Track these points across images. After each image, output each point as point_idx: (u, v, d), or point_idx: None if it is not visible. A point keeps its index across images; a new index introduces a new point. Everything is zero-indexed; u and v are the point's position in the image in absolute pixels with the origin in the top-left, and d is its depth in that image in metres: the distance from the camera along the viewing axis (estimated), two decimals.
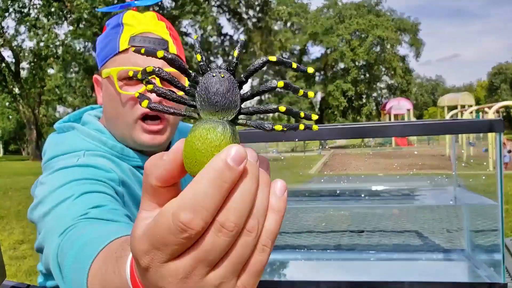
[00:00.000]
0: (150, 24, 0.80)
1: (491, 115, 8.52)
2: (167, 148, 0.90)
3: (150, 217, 0.28)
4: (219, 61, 22.40)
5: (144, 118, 0.79)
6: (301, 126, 0.28)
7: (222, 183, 0.24)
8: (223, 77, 0.27)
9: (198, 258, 0.25)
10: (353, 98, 30.10)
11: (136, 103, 0.78)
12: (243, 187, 0.25)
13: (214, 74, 0.27)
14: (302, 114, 0.28)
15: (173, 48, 0.80)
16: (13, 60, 20.16)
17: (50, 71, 18.96)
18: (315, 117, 0.28)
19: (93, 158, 0.77)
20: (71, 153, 0.79)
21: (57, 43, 15.50)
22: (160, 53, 0.27)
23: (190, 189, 0.24)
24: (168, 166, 0.27)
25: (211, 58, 21.78)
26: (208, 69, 0.28)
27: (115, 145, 0.81)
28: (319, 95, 31.66)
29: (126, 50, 0.78)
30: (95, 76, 0.86)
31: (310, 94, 0.29)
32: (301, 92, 0.28)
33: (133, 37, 0.78)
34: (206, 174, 0.24)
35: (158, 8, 17.05)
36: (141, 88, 0.77)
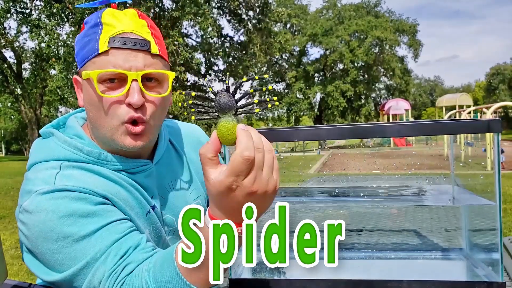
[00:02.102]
0: (130, 23, 0.77)
1: (489, 115, 8.53)
2: (154, 147, 0.89)
3: (218, 171, 0.54)
4: (219, 62, 22.31)
5: (124, 122, 0.77)
6: (269, 105, 0.55)
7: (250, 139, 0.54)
8: (224, 96, 0.55)
9: (256, 168, 0.53)
10: (352, 98, 30.08)
11: (119, 107, 0.76)
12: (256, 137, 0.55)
13: (221, 95, 0.55)
14: (268, 99, 0.55)
15: (155, 49, 0.77)
16: (15, 61, 20.13)
17: (52, 71, 18.92)
18: (275, 98, 0.57)
19: (69, 173, 0.76)
20: (48, 161, 0.79)
21: (59, 43, 15.46)
22: (193, 93, 0.57)
23: (240, 145, 0.53)
24: (214, 143, 0.55)
25: (212, 59, 21.78)
26: (217, 91, 0.55)
27: (91, 151, 0.80)
28: (319, 96, 31.66)
29: (105, 51, 0.74)
30: (74, 77, 0.83)
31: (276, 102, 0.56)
32: (269, 104, 0.56)
33: (112, 38, 0.75)
34: (243, 138, 0.53)
35: (158, 9, 17.04)
36: (122, 91, 0.75)
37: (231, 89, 0.55)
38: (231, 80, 0.58)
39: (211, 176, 0.54)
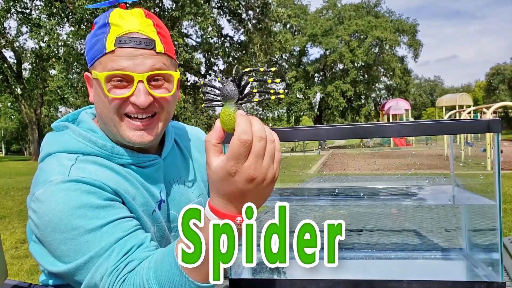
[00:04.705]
0: (136, 23, 0.80)
1: (489, 115, 8.53)
2: (161, 144, 0.92)
3: (220, 158, 0.56)
4: (219, 62, 22.38)
5: (130, 116, 0.80)
6: (272, 97, 0.55)
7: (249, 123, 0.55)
8: (229, 84, 0.56)
9: (254, 154, 0.54)
10: (352, 98, 30.08)
11: (122, 103, 0.79)
12: (257, 125, 0.55)
13: (226, 84, 0.57)
14: (272, 91, 0.55)
15: (160, 47, 0.80)
16: (15, 61, 20.13)
17: (52, 71, 18.93)
18: (281, 90, 0.55)
19: (84, 167, 0.79)
20: (63, 153, 0.81)
21: (59, 43, 15.45)
22: (202, 82, 0.60)
23: (237, 129, 0.54)
24: (218, 130, 0.57)
25: (212, 59, 21.78)
26: (224, 80, 0.57)
27: (105, 144, 0.83)
28: (318, 96, 31.66)
29: (112, 51, 0.78)
30: (86, 74, 0.87)
31: (282, 96, 0.56)
32: (272, 93, 0.56)
33: (119, 38, 0.78)
34: (241, 122, 0.54)
35: (158, 10, 17.03)
36: (129, 92, 0.78)
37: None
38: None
39: (214, 163, 0.56)
